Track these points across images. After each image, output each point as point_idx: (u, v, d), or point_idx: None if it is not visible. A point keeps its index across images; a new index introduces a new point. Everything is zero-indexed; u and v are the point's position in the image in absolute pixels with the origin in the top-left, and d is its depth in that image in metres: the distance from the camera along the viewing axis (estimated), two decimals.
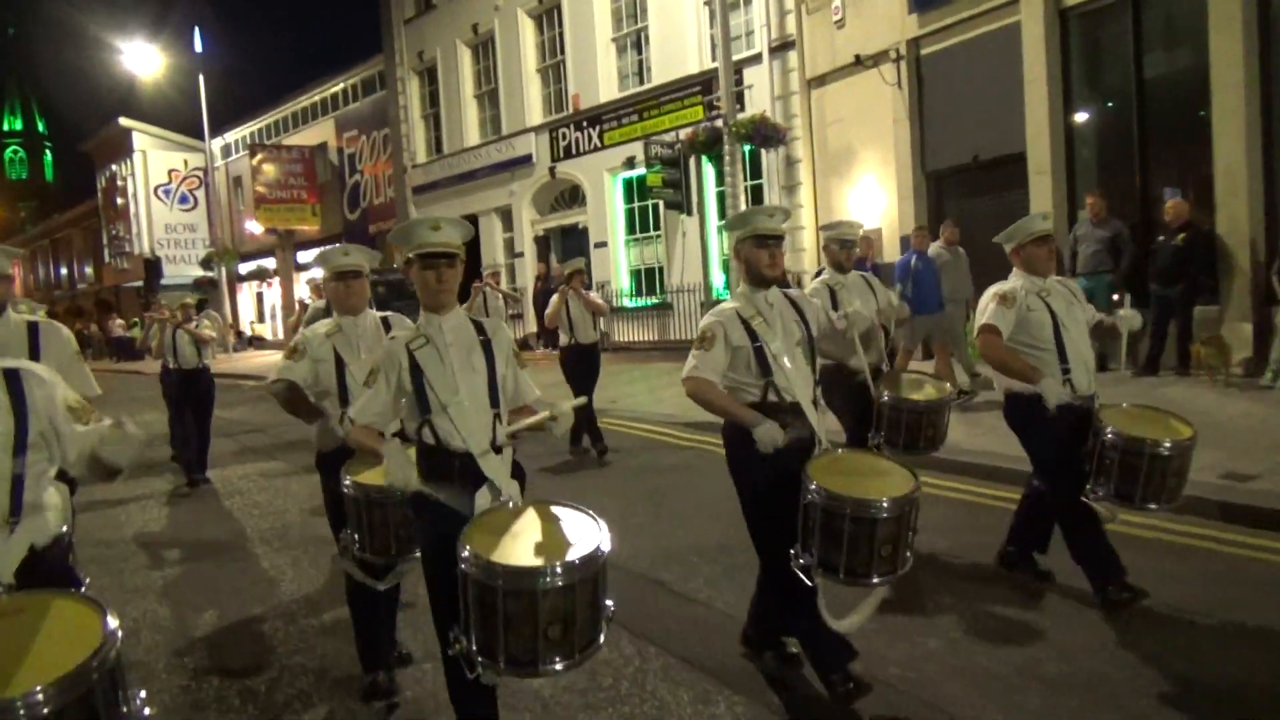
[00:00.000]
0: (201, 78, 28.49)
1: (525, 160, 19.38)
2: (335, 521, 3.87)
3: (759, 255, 3.54)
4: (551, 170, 18.83)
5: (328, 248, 3.97)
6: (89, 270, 46.72)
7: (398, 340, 3.08)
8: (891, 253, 12.80)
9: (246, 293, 34.69)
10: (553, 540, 2.72)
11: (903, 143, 12.46)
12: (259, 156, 28.78)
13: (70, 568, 2.61)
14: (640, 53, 17.17)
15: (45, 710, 1.91)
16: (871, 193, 13.18)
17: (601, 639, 2.69)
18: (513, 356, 3.15)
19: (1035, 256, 4.25)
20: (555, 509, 2.90)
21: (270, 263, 31.66)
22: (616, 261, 17.76)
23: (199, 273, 32.65)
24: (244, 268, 32.96)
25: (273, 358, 25.63)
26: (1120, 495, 4.03)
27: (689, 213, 14.93)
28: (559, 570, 2.55)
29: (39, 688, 1.91)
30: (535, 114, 19.34)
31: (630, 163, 16.78)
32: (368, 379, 3.11)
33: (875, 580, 3.27)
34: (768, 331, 3.49)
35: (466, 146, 21.19)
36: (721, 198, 14.27)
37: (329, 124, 28.06)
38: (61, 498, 2.71)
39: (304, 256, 29.82)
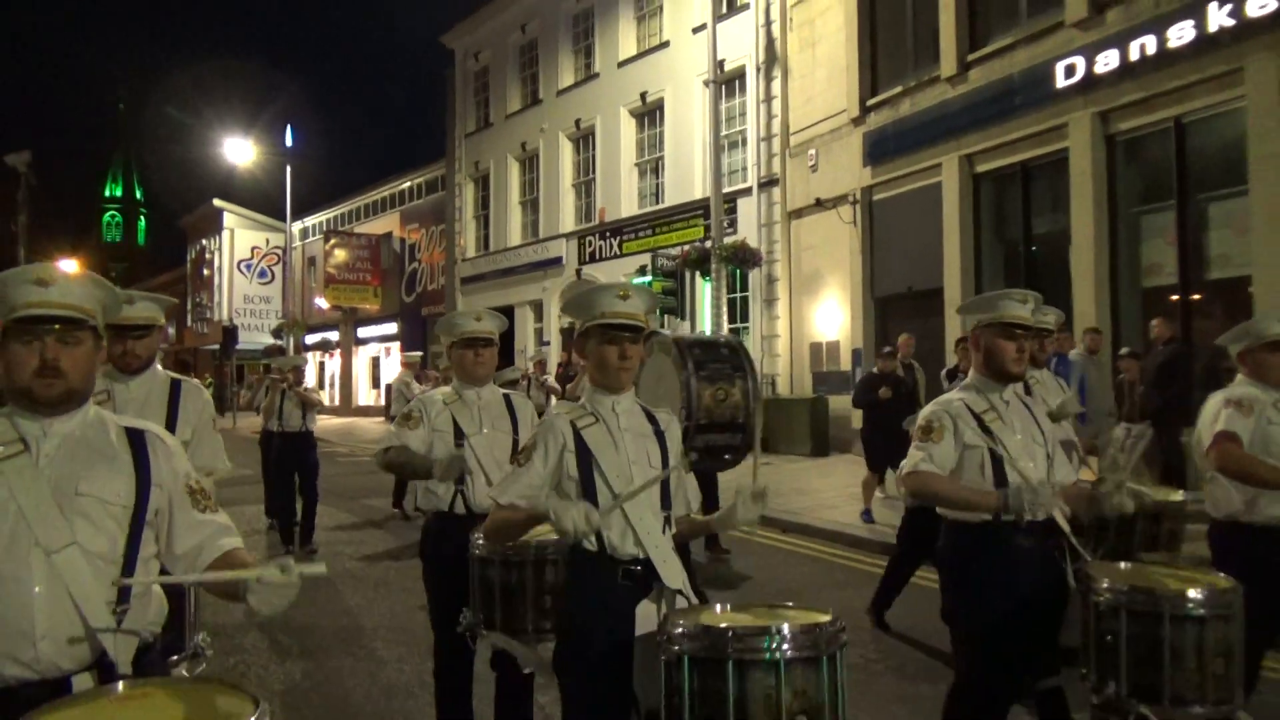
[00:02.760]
0: (289, 169, 32.26)
1: (557, 262, 22.18)
2: (438, 606, 3.56)
3: (1004, 347, 3.01)
4: (578, 272, 21.56)
5: (455, 312, 3.77)
6: (171, 331, 50.91)
7: (560, 416, 2.64)
8: (847, 363, 15.11)
9: (310, 362, 37.99)
10: (775, 617, 2.32)
11: (856, 271, 14.84)
12: (333, 241, 32.25)
13: (168, 674, 2.22)
14: (657, 177, 19.96)
15: None
16: (833, 311, 15.52)
17: None
18: (681, 456, 2.77)
19: (1268, 364, 3.59)
20: (766, 607, 2.48)
21: (334, 335, 34.93)
22: None
23: (270, 340, 36.01)
24: (309, 339, 36.24)
25: (330, 423, 28.41)
26: None
27: (683, 318, 17.38)
28: (800, 635, 2.13)
29: None
30: (568, 222, 22.21)
31: (643, 270, 19.35)
32: (519, 456, 2.69)
33: (1206, 709, 2.56)
34: (1005, 430, 2.99)
35: (509, 246, 24.17)
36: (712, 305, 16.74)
37: (395, 216, 31.46)
38: (162, 594, 2.19)
39: (364, 332, 33.02)
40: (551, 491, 2.57)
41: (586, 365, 2.76)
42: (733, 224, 17.05)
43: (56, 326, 1.91)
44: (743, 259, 15.68)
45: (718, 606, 2.48)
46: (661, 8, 19.65)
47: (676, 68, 18.92)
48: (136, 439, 2.06)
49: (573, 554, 2.61)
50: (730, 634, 2.13)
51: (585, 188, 22.01)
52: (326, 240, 32.55)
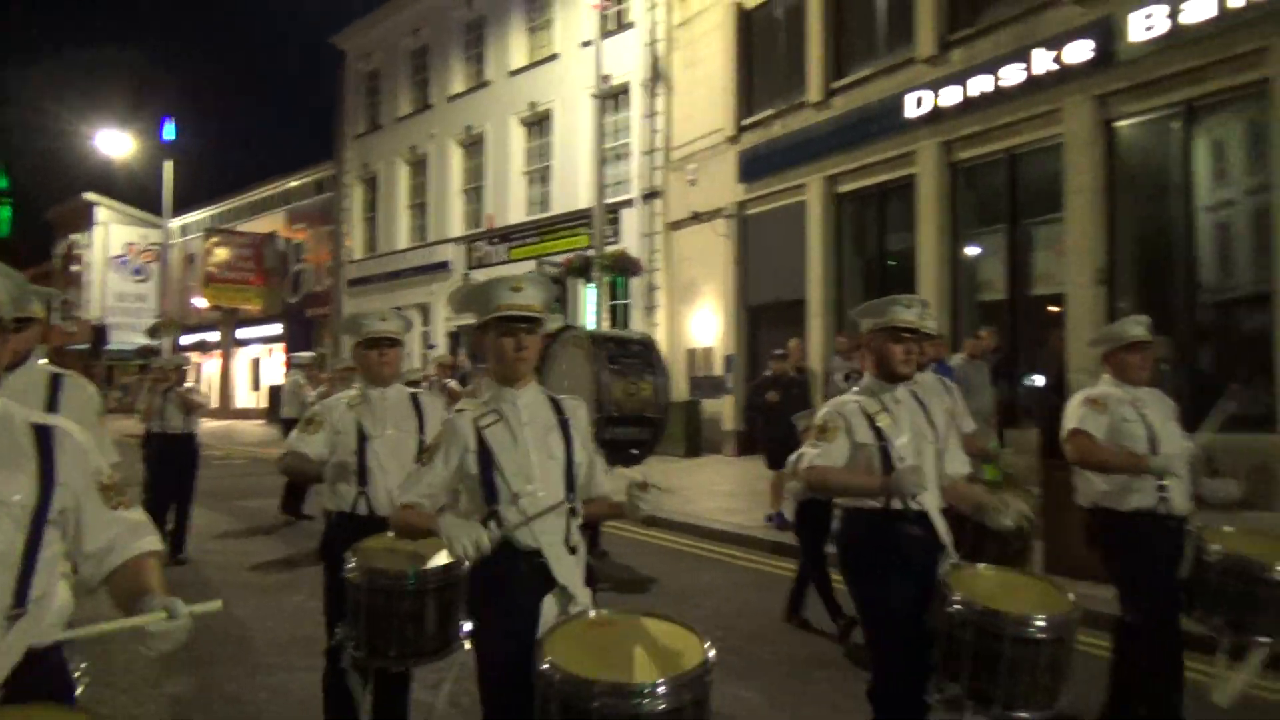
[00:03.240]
0: (167, 164, 31.26)
1: (444, 266, 22.36)
2: (336, 607, 3.44)
3: (893, 350, 3.21)
4: (465, 276, 21.77)
5: (361, 313, 3.80)
6: None
7: (464, 414, 2.72)
8: (720, 368, 15.87)
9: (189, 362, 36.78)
10: (649, 654, 2.37)
11: (730, 281, 15.64)
12: (213, 239, 31.44)
13: (69, 680, 2.15)
14: (545, 185, 20.42)
15: None
16: (708, 319, 16.28)
17: None
18: (590, 440, 2.84)
19: (1127, 363, 3.93)
20: (643, 620, 2.55)
21: (213, 336, 33.96)
22: None
23: (144, 341, 34.74)
24: (186, 339, 35.16)
25: (208, 425, 27.66)
26: (1235, 627, 3.59)
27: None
28: (662, 690, 2.19)
29: None
30: (456, 227, 22.43)
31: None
32: (422, 455, 2.81)
33: (1028, 715, 2.88)
34: (894, 430, 3.19)
35: (397, 249, 24.20)
36: (595, 312, 17.30)
37: (280, 215, 30.93)
38: (68, 594, 2.13)
39: (244, 333, 32.29)
40: (447, 511, 2.64)
41: (486, 367, 2.83)
42: (616, 233, 17.66)
43: None
44: (623, 268, 16.32)
45: (591, 612, 2.58)
46: (552, 21, 20.16)
47: (565, 80, 19.43)
48: (44, 435, 1.94)
49: None
50: (597, 689, 2.19)
51: (474, 193, 22.28)
52: (207, 238, 31.72)
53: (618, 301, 17.85)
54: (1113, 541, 3.86)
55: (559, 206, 19.64)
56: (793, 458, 5.03)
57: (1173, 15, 9.48)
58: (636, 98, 17.86)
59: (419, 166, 23.97)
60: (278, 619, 6.38)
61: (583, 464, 2.76)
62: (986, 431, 6.59)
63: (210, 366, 35.12)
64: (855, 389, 3.38)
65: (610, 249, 16.67)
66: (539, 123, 20.50)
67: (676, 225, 17.03)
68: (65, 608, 2.04)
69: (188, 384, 8.74)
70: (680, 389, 16.76)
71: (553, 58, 19.95)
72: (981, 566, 3.25)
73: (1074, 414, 3.90)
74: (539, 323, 2.71)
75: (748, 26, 15.62)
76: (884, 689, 3.17)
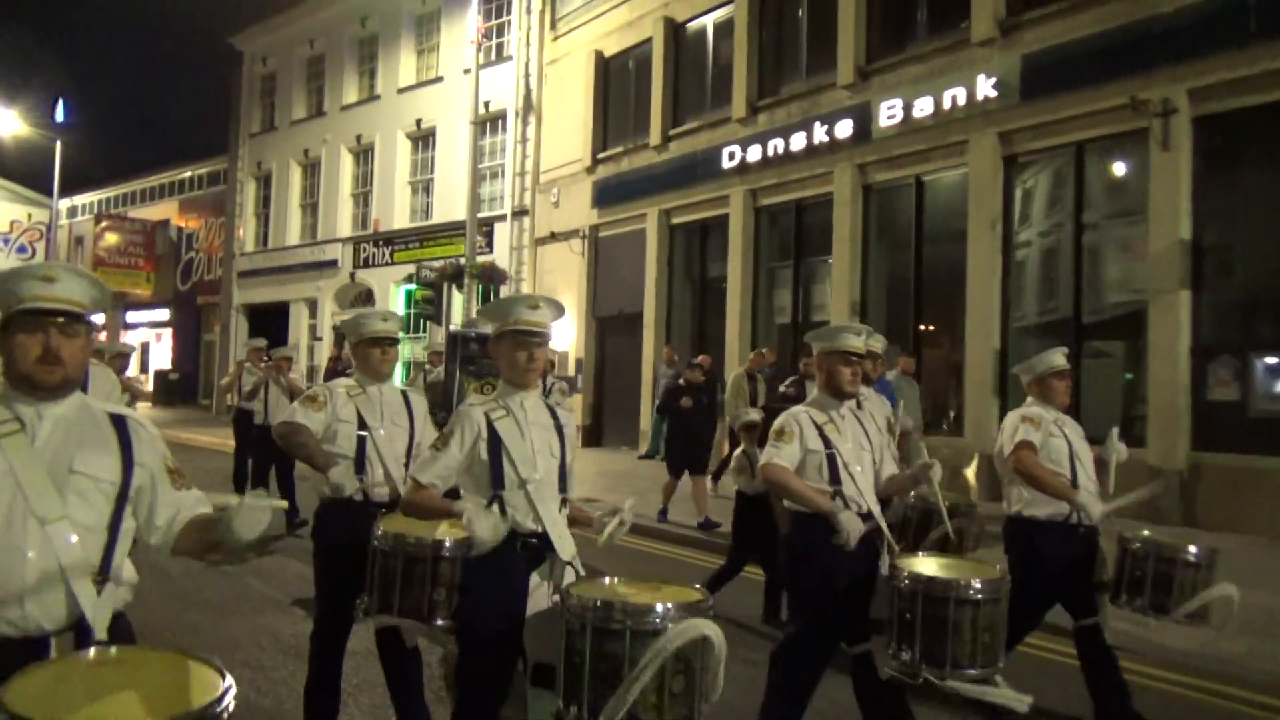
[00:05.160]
0: (59, 145, 31.73)
1: (332, 264, 24.00)
2: (328, 585, 3.71)
3: (842, 372, 3.58)
4: (352, 275, 23.51)
5: (363, 311, 4.05)
6: None
7: (475, 407, 3.01)
8: (573, 370, 18.14)
9: None
10: (659, 593, 2.66)
11: (583, 295, 17.93)
12: (104, 224, 32.02)
13: (134, 640, 2.22)
14: (428, 196, 22.31)
15: None
16: (566, 326, 18.50)
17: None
18: (576, 448, 3.17)
19: (1054, 389, 4.36)
20: (650, 585, 2.81)
21: (98, 318, 34.44)
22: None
23: None
24: None
25: None
26: (1155, 607, 4.11)
27: (439, 324, 19.89)
28: (673, 610, 2.48)
29: None
30: (345, 228, 24.09)
31: (410, 279, 21.65)
32: (436, 442, 3.04)
33: (976, 671, 3.25)
34: (839, 439, 3.56)
35: (287, 245, 25.66)
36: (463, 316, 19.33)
37: (174, 203, 31.77)
38: (133, 567, 2.25)
39: (132, 316, 33.04)
40: (470, 496, 2.91)
41: (500, 365, 3.13)
42: (490, 245, 19.75)
43: (60, 319, 2.08)
44: (489, 277, 18.39)
45: (606, 579, 2.83)
46: (438, 45, 22.05)
47: (448, 101, 21.30)
48: (119, 423, 2.21)
49: None
50: (619, 608, 2.49)
51: (363, 198, 23.98)
52: (97, 222, 32.28)
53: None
54: (1028, 548, 4.27)
55: (439, 216, 21.56)
56: (737, 452, 6.23)
57: (906, 109, 12.18)
58: (511, 124, 19.96)
59: (311, 168, 25.48)
60: (276, 583, 6.89)
61: (571, 467, 3.16)
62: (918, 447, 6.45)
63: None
64: (806, 402, 3.78)
65: (482, 259, 18.73)
66: (423, 138, 22.36)
67: (541, 241, 19.23)
68: (133, 578, 2.25)
69: (129, 372, 8.90)
70: None
71: (438, 79, 21.83)
72: (922, 553, 3.77)
73: (1015, 429, 4.30)
74: (549, 339, 3.08)
75: (605, 72, 17.92)
76: (794, 653, 3.61)
